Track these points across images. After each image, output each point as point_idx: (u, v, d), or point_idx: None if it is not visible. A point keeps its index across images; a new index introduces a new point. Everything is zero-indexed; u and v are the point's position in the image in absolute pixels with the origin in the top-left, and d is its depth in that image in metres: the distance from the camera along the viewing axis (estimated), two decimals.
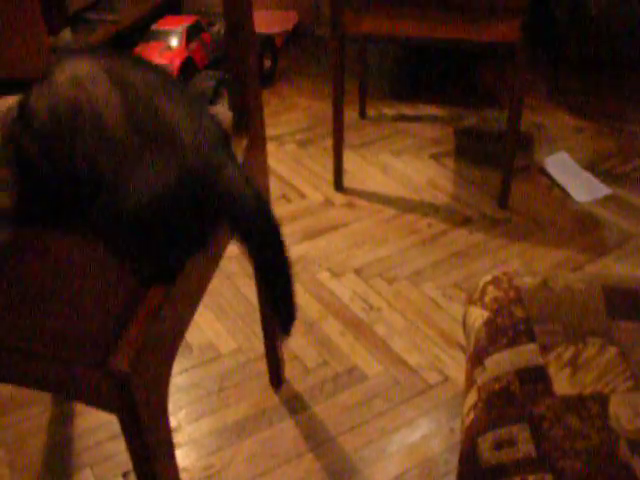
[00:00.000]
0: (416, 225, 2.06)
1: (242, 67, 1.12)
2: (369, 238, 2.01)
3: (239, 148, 1.12)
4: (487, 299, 1.06)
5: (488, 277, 1.11)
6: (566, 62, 3.06)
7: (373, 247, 1.97)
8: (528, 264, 1.90)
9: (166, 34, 2.66)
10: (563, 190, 2.24)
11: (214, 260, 1.05)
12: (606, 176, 2.33)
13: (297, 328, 1.71)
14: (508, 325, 0.98)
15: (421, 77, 3.06)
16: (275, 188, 2.23)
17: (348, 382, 1.57)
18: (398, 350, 1.64)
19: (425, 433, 1.45)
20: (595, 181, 2.30)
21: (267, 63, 2.98)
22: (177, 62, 2.54)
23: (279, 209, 2.12)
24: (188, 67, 2.61)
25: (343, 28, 1.97)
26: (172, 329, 0.88)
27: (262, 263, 0.89)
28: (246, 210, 0.86)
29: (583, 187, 2.26)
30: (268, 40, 2.95)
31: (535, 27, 1.87)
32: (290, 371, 1.60)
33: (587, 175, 2.32)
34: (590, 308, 0.98)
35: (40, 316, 0.79)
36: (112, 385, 0.75)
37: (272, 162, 2.38)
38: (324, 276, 1.87)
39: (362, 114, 2.71)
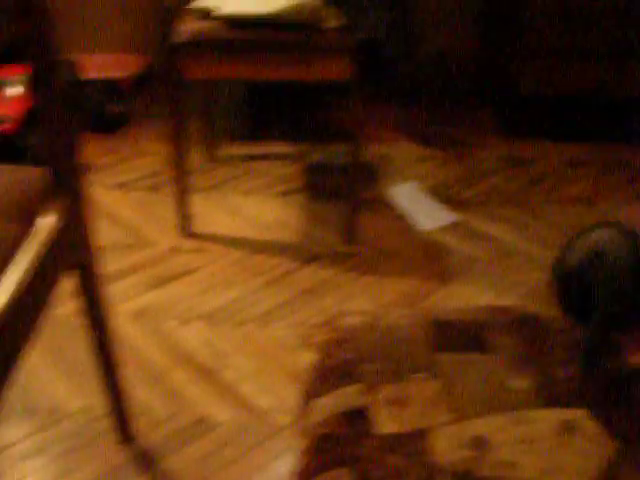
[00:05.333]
0: (264, 265, 2.06)
1: (52, 118, 1.08)
2: (217, 282, 1.99)
3: (58, 210, 1.09)
4: (317, 341, 1.07)
5: (320, 319, 1.12)
6: (402, 94, 3.17)
7: (221, 291, 1.96)
8: (376, 296, 1.93)
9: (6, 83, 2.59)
10: (409, 220, 2.29)
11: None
12: (451, 203, 2.41)
13: (144, 381, 1.68)
14: (335, 367, 0.98)
15: (270, 115, 3.08)
16: (121, 237, 2.19)
17: (198, 432, 1.54)
18: (247, 395, 1.63)
19: (277, 477, 1.44)
20: (440, 208, 2.36)
21: (115, 109, 2.93)
22: (19, 111, 2.47)
23: (124, 259, 2.08)
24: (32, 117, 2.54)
25: (178, 74, 1.97)
26: None
27: None
28: None
29: (428, 215, 2.32)
30: (115, 85, 2.91)
31: (368, 65, 1.93)
32: (139, 426, 1.56)
33: (432, 203, 2.39)
34: (414, 344, 1.00)
35: None
36: None
37: (119, 210, 2.34)
38: (171, 325, 1.84)
39: (211, 156, 2.70)
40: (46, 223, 1.06)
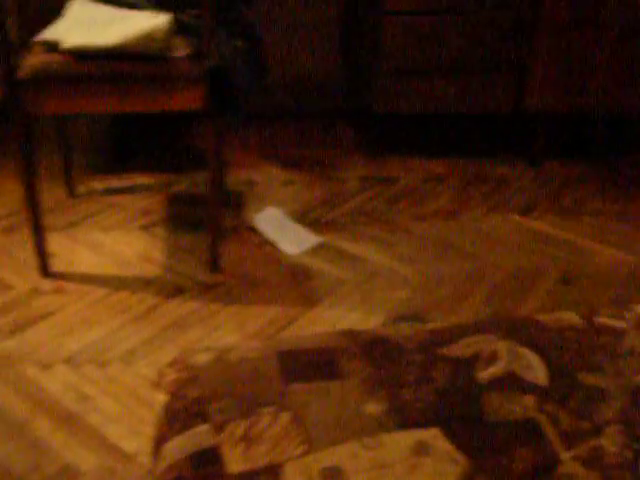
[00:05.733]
0: (127, 302, 2.01)
1: None
2: (79, 323, 1.93)
3: None
4: (166, 382, 1.04)
5: (169, 358, 1.09)
6: (264, 118, 3.18)
7: (84, 332, 1.90)
8: (242, 326, 1.91)
9: None
10: (274, 245, 2.29)
11: None
12: (316, 225, 2.42)
13: (3, 434, 1.60)
14: (182, 408, 0.96)
15: (132, 146, 3.03)
16: None
17: None
18: (113, 438, 1.58)
19: None
20: (305, 232, 2.37)
21: None
22: None
23: None
24: None
25: (24, 110, 1.90)
26: None
27: None
28: None
29: (293, 239, 2.33)
30: None
31: (221, 92, 1.92)
32: None
33: (296, 227, 2.40)
34: (264, 377, 0.99)
35: None
36: None
37: None
38: (32, 371, 1.76)
39: (71, 192, 2.62)
40: None
